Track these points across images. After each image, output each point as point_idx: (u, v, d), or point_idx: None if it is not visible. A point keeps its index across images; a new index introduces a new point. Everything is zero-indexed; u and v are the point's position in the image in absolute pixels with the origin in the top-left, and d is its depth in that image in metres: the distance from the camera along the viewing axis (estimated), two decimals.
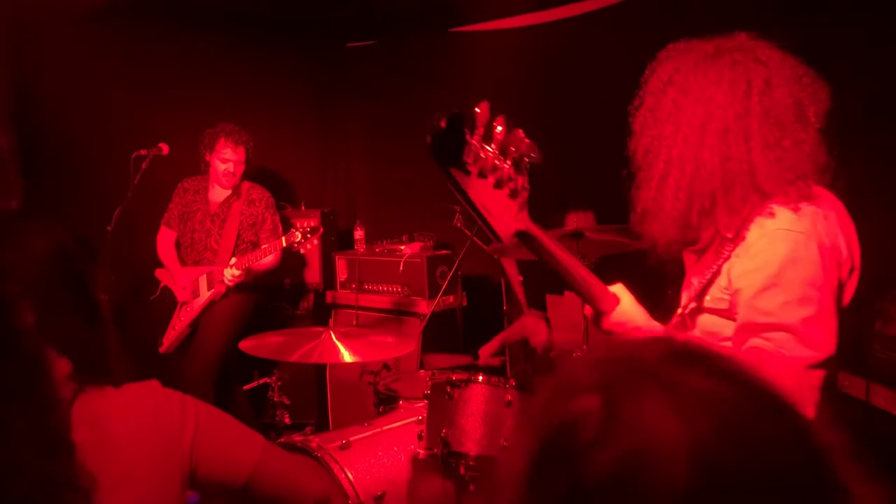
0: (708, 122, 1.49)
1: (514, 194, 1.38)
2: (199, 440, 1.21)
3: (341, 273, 4.58)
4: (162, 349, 3.96)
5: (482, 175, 1.33)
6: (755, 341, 1.47)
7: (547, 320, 3.64)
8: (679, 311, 1.69)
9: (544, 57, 4.29)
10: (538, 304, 3.68)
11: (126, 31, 4.16)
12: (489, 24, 4.71)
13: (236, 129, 4.00)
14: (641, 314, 1.61)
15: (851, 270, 1.54)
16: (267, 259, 3.90)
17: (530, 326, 2.92)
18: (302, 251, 3.88)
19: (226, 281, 3.86)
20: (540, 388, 0.65)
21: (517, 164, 1.37)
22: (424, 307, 4.13)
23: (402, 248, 4.42)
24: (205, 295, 3.96)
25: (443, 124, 1.28)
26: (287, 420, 3.17)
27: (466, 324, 4.31)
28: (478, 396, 2.20)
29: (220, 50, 4.63)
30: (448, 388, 2.24)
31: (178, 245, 4.14)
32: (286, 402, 3.15)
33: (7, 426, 0.85)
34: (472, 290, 4.39)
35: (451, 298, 4.21)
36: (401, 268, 4.25)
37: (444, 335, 4.18)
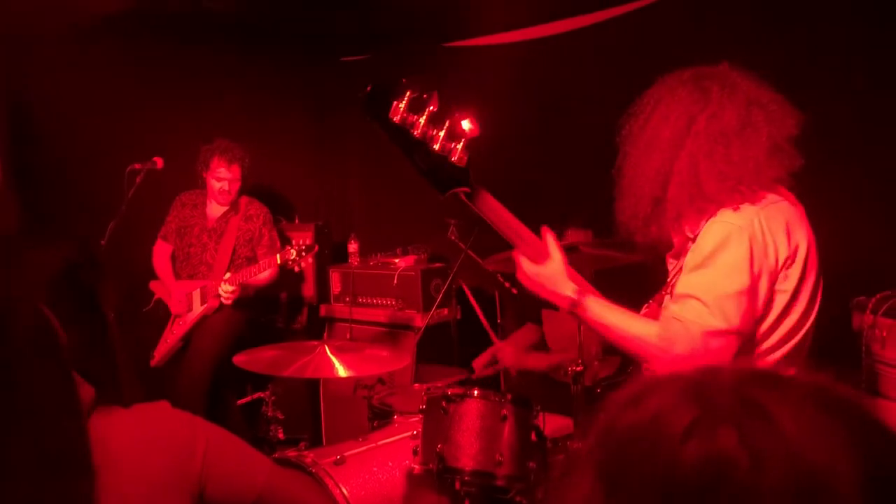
0: (665, 141, 1.73)
1: (450, 156, 1.63)
2: (208, 462, 1.21)
3: (335, 286, 4.57)
4: (153, 362, 3.94)
5: (414, 135, 1.61)
6: (673, 308, 1.69)
7: (542, 335, 3.66)
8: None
9: (538, 72, 4.30)
10: (535, 319, 3.68)
11: (121, 46, 4.16)
12: (482, 40, 4.73)
13: (231, 146, 4.00)
14: (562, 275, 1.75)
15: (805, 262, 1.69)
16: (263, 274, 3.90)
17: (501, 353, 3.02)
18: (297, 269, 3.87)
19: (222, 297, 3.85)
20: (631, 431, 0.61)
21: (452, 133, 1.64)
22: (419, 320, 4.12)
23: (397, 261, 4.42)
24: (198, 309, 3.94)
25: (368, 89, 1.64)
26: (281, 435, 3.15)
27: (461, 337, 4.30)
28: (473, 411, 2.19)
29: (215, 64, 4.64)
30: (443, 403, 2.23)
31: (173, 259, 4.13)
32: (280, 416, 3.13)
33: (32, 446, 0.85)
34: (466, 302, 4.39)
35: (446, 311, 4.20)
36: (395, 281, 4.25)
37: (439, 348, 4.17)
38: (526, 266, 1.76)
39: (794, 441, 0.53)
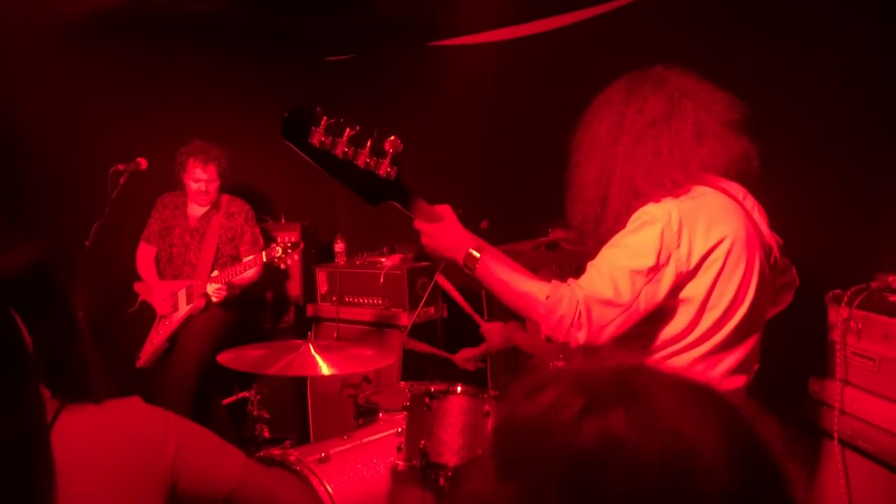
0: (602, 142, 1.82)
1: (377, 171, 1.70)
2: (180, 456, 1.21)
3: (322, 286, 4.57)
4: (139, 363, 3.93)
5: (336, 155, 1.68)
6: (571, 280, 1.73)
7: (523, 327, 3.67)
8: None
9: (522, 70, 4.32)
10: (519, 318, 3.69)
11: (103, 47, 4.15)
12: (467, 39, 4.74)
13: (206, 146, 4.00)
14: (458, 229, 1.79)
15: (727, 255, 1.70)
16: (249, 272, 3.89)
17: (488, 333, 3.03)
18: (283, 266, 3.88)
19: (211, 296, 3.84)
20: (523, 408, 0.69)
21: (376, 150, 1.70)
22: (405, 319, 4.13)
23: (383, 260, 4.42)
24: (184, 309, 3.94)
25: (287, 114, 1.69)
26: (266, 434, 3.15)
27: (447, 335, 4.31)
28: (456, 408, 2.21)
29: (198, 64, 4.63)
30: (427, 400, 2.24)
31: (157, 260, 4.13)
32: (265, 415, 3.14)
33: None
34: (452, 301, 4.40)
35: (432, 310, 4.22)
36: (381, 280, 4.25)
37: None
38: (424, 226, 1.79)
39: (668, 418, 0.63)
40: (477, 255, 1.76)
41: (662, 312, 1.73)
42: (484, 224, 4.31)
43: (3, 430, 0.89)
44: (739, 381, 1.81)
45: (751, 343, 1.81)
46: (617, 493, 0.60)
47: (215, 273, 3.89)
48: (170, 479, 1.20)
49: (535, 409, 0.67)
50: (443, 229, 1.77)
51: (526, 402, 0.68)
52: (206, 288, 3.87)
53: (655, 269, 1.67)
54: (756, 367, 1.85)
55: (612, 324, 1.67)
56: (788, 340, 2.56)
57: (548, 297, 1.68)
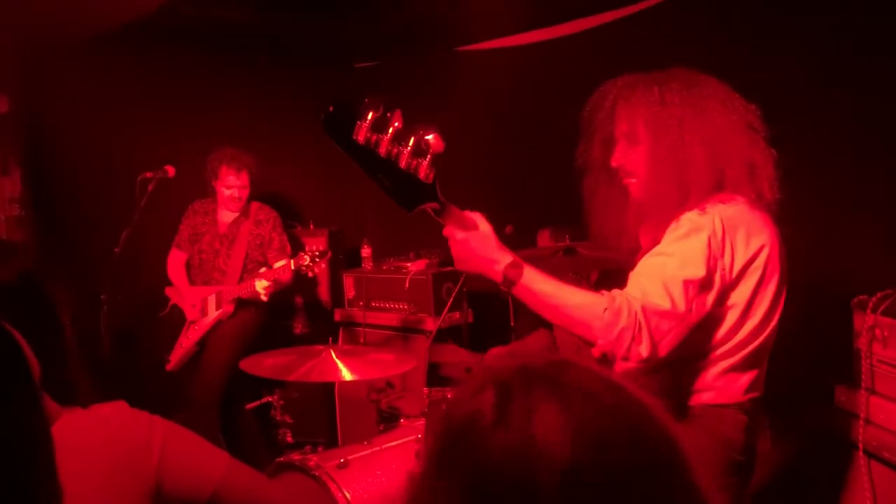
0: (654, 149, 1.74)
1: (417, 173, 1.56)
2: (165, 459, 1.24)
3: (349, 291, 4.60)
4: (169, 367, 4.00)
5: (379, 154, 1.55)
6: (616, 290, 1.64)
7: (554, 339, 3.64)
8: None
9: (547, 74, 4.31)
10: (547, 324, 3.66)
11: (132, 55, 4.23)
12: (494, 43, 4.74)
13: (238, 153, 4.05)
14: (494, 241, 1.66)
15: (765, 266, 1.68)
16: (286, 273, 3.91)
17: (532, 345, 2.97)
18: (310, 274, 3.90)
19: (261, 294, 3.85)
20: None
21: (417, 149, 1.57)
22: (430, 324, 4.13)
23: (409, 265, 4.43)
24: (213, 314, 3.99)
25: (331, 108, 1.54)
26: (289, 439, 3.17)
27: (473, 340, 4.30)
28: None
29: (226, 72, 4.70)
30: (445, 406, 2.23)
31: (188, 266, 4.20)
32: (288, 420, 3.16)
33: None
34: (478, 306, 4.39)
35: (458, 315, 4.21)
36: (407, 285, 4.26)
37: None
38: (457, 234, 1.64)
39: (537, 412, 0.67)
40: (517, 268, 1.62)
41: (710, 318, 1.68)
42: (508, 229, 4.30)
43: (10, 438, 0.90)
44: (755, 395, 1.78)
45: (767, 354, 1.78)
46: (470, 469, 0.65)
47: (263, 269, 3.91)
48: (154, 481, 1.23)
49: (457, 404, 0.73)
50: (476, 239, 1.63)
51: (457, 405, 0.74)
52: (255, 286, 3.83)
53: (707, 279, 1.63)
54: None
55: (669, 335, 1.59)
56: (814, 348, 2.51)
57: (605, 309, 1.56)
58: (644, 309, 1.57)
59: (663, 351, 1.58)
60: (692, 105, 1.70)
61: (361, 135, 1.54)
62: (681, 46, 3.30)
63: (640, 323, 1.56)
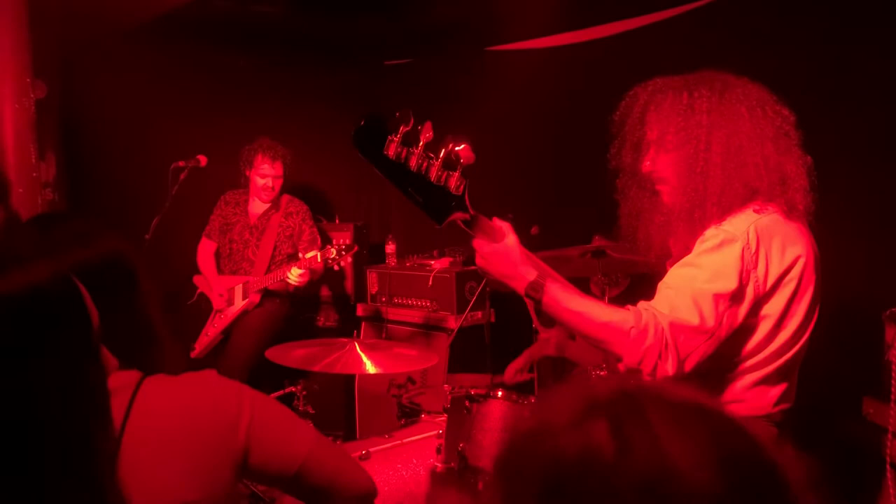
0: (681, 162, 1.71)
1: (447, 186, 1.55)
2: (253, 430, 1.23)
3: (372, 286, 4.62)
4: (193, 354, 4.05)
5: (410, 168, 1.53)
6: (643, 304, 1.62)
7: (572, 337, 3.64)
8: None
9: (578, 76, 4.30)
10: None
11: (169, 48, 4.29)
12: (525, 44, 4.74)
13: (273, 144, 4.10)
14: (518, 253, 1.65)
15: (801, 277, 1.66)
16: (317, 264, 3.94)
17: (546, 341, 2.95)
18: (336, 267, 3.93)
19: (292, 281, 3.88)
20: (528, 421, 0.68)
21: (448, 161, 1.56)
22: (452, 322, 4.14)
23: (432, 262, 4.45)
24: (239, 304, 4.04)
25: (362, 122, 1.53)
26: None
27: (494, 340, 4.30)
28: (495, 412, 2.20)
29: (259, 66, 4.74)
30: (467, 403, 2.24)
31: (218, 255, 4.24)
32: (311, 411, 3.18)
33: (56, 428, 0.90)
34: (500, 306, 4.39)
35: (480, 314, 4.22)
36: (430, 282, 4.28)
37: (472, 351, 4.18)
38: (482, 246, 1.65)
39: (662, 438, 0.60)
40: (542, 284, 1.61)
41: (742, 329, 1.66)
42: (534, 230, 4.29)
43: (65, 381, 0.94)
44: (785, 406, 1.77)
45: (797, 367, 1.76)
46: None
47: (302, 256, 3.93)
48: (242, 452, 1.22)
49: (534, 419, 0.66)
50: (502, 253, 1.63)
51: (527, 419, 0.67)
52: (288, 273, 3.85)
53: (739, 292, 1.60)
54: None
55: (697, 351, 1.57)
56: (844, 359, 2.48)
57: (632, 327, 1.56)
58: (672, 325, 1.56)
59: (689, 367, 1.57)
60: (721, 113, 1.68)
61: (392, 149, 1.53)
62: (714, 51, 3.28)
63: (666, 340, 1.55)
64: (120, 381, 1.16)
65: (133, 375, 1.19)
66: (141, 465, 1.11)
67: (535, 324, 3.24)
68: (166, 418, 1.18)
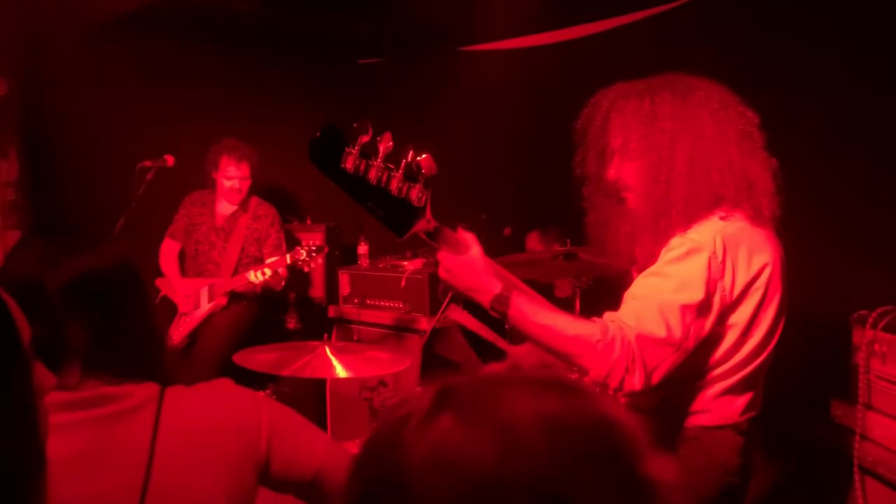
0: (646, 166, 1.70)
1: (409, 198, 1.50)
2: (273, 439, 1.26)
3: (344, 288, 4.57)
4: None
5: (369, 181, 1.48)
6: (609, 315, 1.60)
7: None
8: None
9: (551, 77, 4.30)
10: None
11: (134, 43, 4.22)
12: (498, 44, 4.73)
13: (239, 144, 4.03)
14: (483, 265, 1.61)
15: (767, 285, 1.65)
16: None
17: (518, 357, 2.95)
18: (306, 269, 3.88)
19: (253, 280, 3.81)
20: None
21: (409, 173, 1.50)
22: (425, 324, 4.11)
23: (405, 263, 4.41)
24: (205, 306, 3.97)
25: (318, 134, 1.49)
26: None
27: (470, 342, 4.28)
28: None
29: (228, 64, 4.68)
30: None
31: (181, 256, 4.16)
32: None
33: None
34: (473, 307, 4.37)
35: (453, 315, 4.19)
36: (403, 283, 4.24)
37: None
38: (445, 259, 1.60)
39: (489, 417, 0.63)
40: (507, 297, 1.57)
41: (708, 339, 1.64)
42: (507, 231, 4.29)
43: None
44: (752, 414, 1.76)
45: (763, 374, 1.76)
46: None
47: (271, 260, 3.86)
48: (263, 461, 1.25)
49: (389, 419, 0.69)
50: (466, 265, 1.59)
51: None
52: (250, 275, 3.79)
53: (705, 302, 1.58)
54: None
55: (664, 363, 1.56)
56: (811, 362, 2.50)
57: (598, 340, 1.53)
58: (639, 338, 1.54)
59: (656, 379, 1.56)
60: (684, 118, 1.66)
61: (350, 162, 1.48)
62: (685, 52, 3.30)
63: (633, 354, 1.53)
64: (141, 395, 1.18)
65: (152, 388, 1.21)
66: (175, 477, 1.15)
67: (503, 344, 3.20)
68: (194, 430, 1.21)
